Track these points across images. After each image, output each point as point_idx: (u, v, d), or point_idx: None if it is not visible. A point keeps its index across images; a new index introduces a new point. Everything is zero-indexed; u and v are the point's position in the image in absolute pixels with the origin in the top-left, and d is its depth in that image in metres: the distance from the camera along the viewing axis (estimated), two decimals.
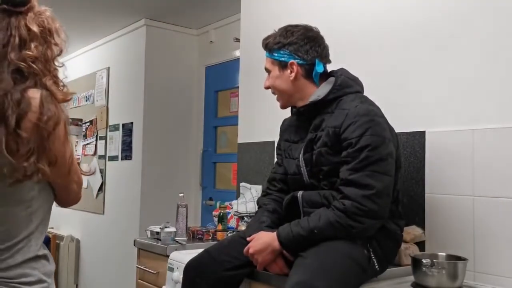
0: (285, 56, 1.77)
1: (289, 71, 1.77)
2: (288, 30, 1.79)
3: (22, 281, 1.11)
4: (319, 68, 1.76)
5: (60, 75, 1.24)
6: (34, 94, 1.10)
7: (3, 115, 1.06)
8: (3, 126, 1.05)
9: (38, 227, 1.18)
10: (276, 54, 1.79)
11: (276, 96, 1.87)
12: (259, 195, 2.13)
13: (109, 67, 4.73)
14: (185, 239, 2.47)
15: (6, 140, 1.05)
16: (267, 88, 1.87)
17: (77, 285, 5.05)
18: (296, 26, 1.80)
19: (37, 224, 1.17)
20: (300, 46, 1.76)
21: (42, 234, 1.20)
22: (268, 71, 1.84)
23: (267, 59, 1.84)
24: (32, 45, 1.15)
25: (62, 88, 1.19)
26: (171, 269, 2.14)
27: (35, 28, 1.16)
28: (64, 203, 1.28)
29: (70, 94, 1.20)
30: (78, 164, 1.28)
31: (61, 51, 1.23)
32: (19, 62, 1.12)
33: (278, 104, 1.89)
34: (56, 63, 1.21)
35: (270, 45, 1.80)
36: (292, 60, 1.76)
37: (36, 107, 1.09)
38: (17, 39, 1.13)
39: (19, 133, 1.06)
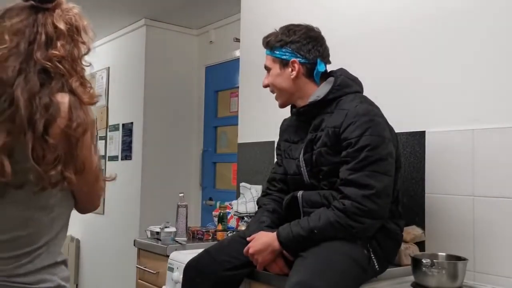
0: (286, 54, 1.77)
1: (290, 69, 1.77)
2: (290, 29, 1.79)
3: (41, 287, 1.09)
4: (320, 68, 1.77)
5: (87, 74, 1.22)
6: (63, 99, 1.06)
7: (31, 119, 1.02)
8: (30, 131, 1.01)
9: (59, 234, 1.16)
10: (278, 52, 1.78)
11: (275, 94, 1.87)
12: (259, 195, 2.13)
13: (109, 67, 4.72)
14: (185, 239, 2.47)
15: (32, 146, 1.01)
16: (265, 86, 1.86)
17: (77, 285, 5.05)
18: (298, 25, 1.80)
19: (57, 230, 1.15)
20: (302, 45, 1.76)
21: (62, 241, 1.18)
22: (268, 69, 1.84)
23: (267, 57, 1.83)
24: (59, 44, 1.11)
25: (89, 89, 1.15)
26: (171, 269, 2.14)
27: (62, 26, 1.12)
28: (84, 210, 1.25)
29: (96, 97, 1.16)
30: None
31: (88, 50, 1.19)
32: (46, 62, 1.08)
33: (277, 103, 1.89)
34: (84, 63, 1.18)
35: (272, 42, 1.80)
36: (294, 59, 1.76)
37: (65, 112, 1.05)
38: (43, 37, 1.10)
39: (46, 139, 1.02)
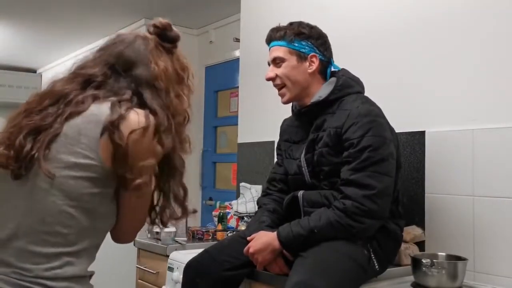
0: (306, 48, 1.76)
1: (307, 63, 1.76)
2: (307, 25, 1.79)
3: None
4: (334, 67, 1.80)
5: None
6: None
7: None
8: None
9: (96, 245, 1.14)
10: (297, 44, 1.76)
11: (282, 90, 1.80)
12: (259, 195, 2.13)
13: None
14: (185, 239, 2.47)
15: None
16: (271, 78, 1.80)
17: None
18: (310, 24, 1.81)
19: (96, 242, 1.13)
20: (322, 42, 1.78)
21: (95, 253, 1.15)
22: (280, 60, 1.76)
23: (280, 48, 1.77)
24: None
25: None
26: (171, 269, 2.14)
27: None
28: (116, 236, 1.22)
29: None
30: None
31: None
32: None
33: (278, 104, 1.87)
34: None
35: (290, 34, 1.76)
36: (313, 53, 1.76)
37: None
38: None
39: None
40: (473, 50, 1.86)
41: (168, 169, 1.15)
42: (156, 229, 2.47)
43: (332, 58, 1.82)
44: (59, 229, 1.06)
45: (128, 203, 1.14)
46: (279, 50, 1.78)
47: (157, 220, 1.18)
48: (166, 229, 2.44)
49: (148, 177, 1.11)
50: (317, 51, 1.77)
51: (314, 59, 1.76)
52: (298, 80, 1.77)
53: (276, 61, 1.78)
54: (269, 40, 1.83)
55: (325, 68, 1.79)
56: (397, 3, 2.14)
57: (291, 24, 1.80)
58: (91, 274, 1.14)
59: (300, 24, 1.79)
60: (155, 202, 1.18)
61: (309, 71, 1.76)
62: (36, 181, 1.06)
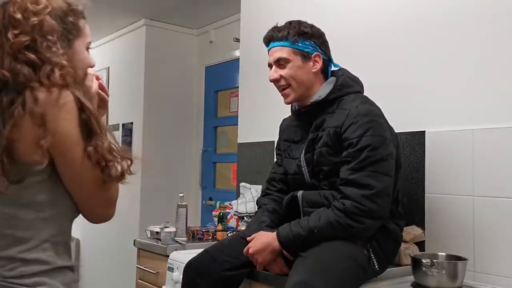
0: (309, 47, 1.75)
1: (311, 63, 1.76)
2: (308, 24, 1.78)
3: None
4: (335, 65, 1.79)
5: None
6: None
7: None
8: None
9: (56, 237, 1.10)
10: (301, 44, 1.75)
11: (285, 90, 1.79)
12: (259, 195, 2.13)
13: (109, 67, 4.72)
14: (185, 239, 2.47)
15: None
16: (275, 80, 1.78)
17: None
18: (309, 23, 1.80)
19: (53, 233, 1.09)
20: (322, 41, 1.78)
21: (62, 246, 1.11)
22: (285, 61, 1.75)
23: (283, 49, 1.75)
24: None
25: None
26: (171, 269, 2.14)
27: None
28: (87, 217, 1.17)
29: None
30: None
31: None
32: None
33: (278, 104, 1.88)
34: None
35: (293, 34, 1.74)
36: (317, 53, 1.76)
37: None
38: None
39: None
40: (473, 50, 1.86)
41: (88, 130, 1.07)
42: (156, 228, 2.47)
43: (331, 56, 1.83)
44: (6, 231, 1.05)
45: (68, 179, 1.08)
46: (283, 51, 1.76)
47: (107, 178, 1.10)
48: (166, 229, 2.44)
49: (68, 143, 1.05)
50: (320, 50, 1.77)
51: (317, 59, 1.76)
52: (303, 80, 1.76)
53: (280, 62, 1.77)
54: (269, 40, 1.80)
55: (327, 67, 1.80)
56: (397, 3, 2.14)
57: (290, 23, 1.78)
58: (68, 266, 1.11)
59: (300, 23, 1.78)
60: (100, 163, 1.09)
61: (314, 70, 1.76)
62: None
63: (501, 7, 1.79)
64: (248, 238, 1.72)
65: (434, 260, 1.57)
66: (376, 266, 1.65)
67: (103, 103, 1.26)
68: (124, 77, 4.51)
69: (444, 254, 1.71)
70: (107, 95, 1.28)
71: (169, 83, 4.32)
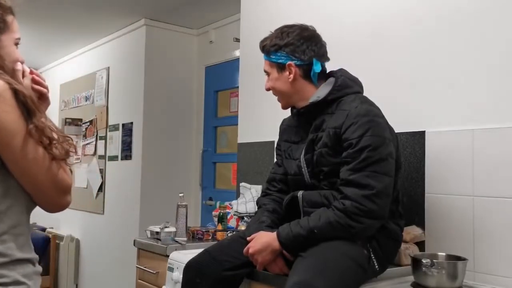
0: (282, 58, 1.77)
1: (287, 72, 1.77)
2: (284, 31, 1.78)
3: None
4: (316, 68, 1.76)
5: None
6: None
7: None
8: None
9: (13, 229, 1.10)
10: (274, 57, 1.78)
11: (277, 97, 1.87)
12: (259, 195, 2.13)
13: (109, 67, 4.72)
14: (185, 239, 2.47)
15: None
16: (268, 90, 1.87)
17: (77, 285, 5.05)
18: (292, 26, 1.79)
19: (9, 225, 1.09)
20: (296, 46, 1.76)
21: (21, 237, 1.12)
22: (267, 73, 1.84)
23: (265, 61, 1.83)
24: None
25: None
26: (171, 269, 2.14)
27: None
28: (43, 206, 1.17)
29: None
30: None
31: None
32: None
33: (278, 104, 1.89)
34: None
35: (267, 47, 1.80)
36: (289, 62, 1.76)
37: None
38: None
39: None
40: (473, 50, 1.86)
41: (27, 110, 1.09)
42: (156, 228, 2.47)
43: (316, 57, 1.76)
44: None
45: (16, 169, 1.09)
46: (265, 64, 1.84)
47: (52, 156, 1.11)
48: (166, 229, 2.44)
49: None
50: (293, 58, 1.75)
51: (291, 68, 1.76)
52: (282, 91, 1.80)
53: (266, 74, 1.85)
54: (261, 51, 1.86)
55: (308, 71, 1.77)
56: (397, 4, 2.14)
57: (272, 33, 1.81)
58: (28, 258, 1.12)
59: (276, 33, 1.79)
60: (43, 141, 1.11)
61: (290, 80, 1.77)
62: None
63: (501, 7, 1.79)
64: (248, 238, 1.73)
65: (434, 260, 1.57)
66: (376, 266, 1.66)
67: (42, 97, 1.25)
68: (124, 77, 4.51)
69: (444, 254, 1.71)
70: (45, 87, 1.27)
71: (169, 83, 4.32)
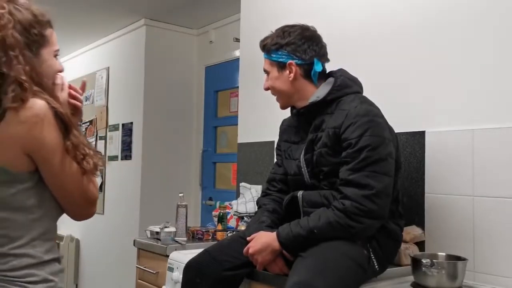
0: (283, 56, 1.77)
1: (287, 71, 1.77)
2: (285, 31, 1.78)
3: (28, 280, 1.15)
4: (317, 67, 1.76)
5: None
6: None
7: None
8: None
9: (44, 235, 1.20)
10: (274, 55, 1.78)
11: (276, 96, 1.87)
12: (259, 195, 2.13)
13: (109, 67, 4.73)
14: (185, 239, 2.47)
15: None
16: (266, 89, 1.86)
17: (77, 285, 5.05)
18: (293, 26, 1.80)
19: (41, 231, 1.19)
20: (297, 46, 1.76)
21: (49, 242, 1.22)
22: (267, 72, 1.84)
23: (265, 60, 1.83)
24: None
25: None
26: (171, 269, 2.14)
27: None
28: (72, 216, 1.28)
29: None
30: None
31: None
32: None
33: (277, 104, 1.89)
34: None
35: (268, 46, 1.80)
36: (290, 61, 1.76)
37: None
38: None
39: None
40: (473, 50, 1.86)
41: (64, 127, 1.18)
42: (156, 228, 2.47)
43: (317, 57, 1.77)
44: (0, 232, 1.15)
45: (52, 183, 1.18)
46: (265, 62, 1.84)
47: (84, 171, 1.21)
48: (166, 229, 2.44)
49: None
50: (294, 57, 1.75)
51: (292, 67, 1.76)
52: (282, 90, 1.80)
53: (266, 73, 1.84)
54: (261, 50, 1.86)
55: (309, 71, 1.77)
56: (397, 3, 2.14)
57: (273, 32, 1.82)
58: (54, 258, 1.21)
59: (277, 33, 1.80)
60: (77, 157, 1.20)
61: (290, 79, 1.77)
62: None
63: (501, 7, 1.79)
64: (248, 238, 1.73)
65: (434, 260, 1.57)
66: (376, 266, 1.66)
67: (76, 111, 1.34)
68: (124, 77, 4.51)
69: (444, 254, 1.71)
70: (80, 101, 1.36)
71: (169, 83, 4.32)
